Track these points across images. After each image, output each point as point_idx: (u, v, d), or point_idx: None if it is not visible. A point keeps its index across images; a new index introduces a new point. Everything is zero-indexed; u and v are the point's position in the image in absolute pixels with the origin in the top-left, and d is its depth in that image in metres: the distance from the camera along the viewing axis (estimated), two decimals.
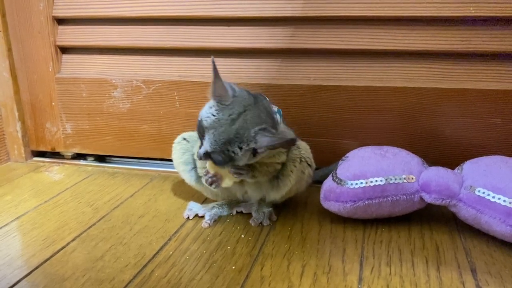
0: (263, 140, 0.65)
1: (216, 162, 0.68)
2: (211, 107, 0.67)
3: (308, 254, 0.66)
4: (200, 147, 0.68)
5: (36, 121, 1.10)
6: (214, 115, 0.66)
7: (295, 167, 0.74)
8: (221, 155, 0.66)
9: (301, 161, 0.75)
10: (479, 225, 0.69)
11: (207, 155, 0.67)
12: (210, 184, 0.72)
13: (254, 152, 0.66)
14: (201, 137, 0.68)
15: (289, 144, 0.68)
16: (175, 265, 0.64)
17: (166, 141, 1.02)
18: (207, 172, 0.72)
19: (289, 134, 0.72)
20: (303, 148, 0.76)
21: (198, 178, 0.79)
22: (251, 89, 0.88)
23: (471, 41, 0.84)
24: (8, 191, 0.92)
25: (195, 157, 0.77)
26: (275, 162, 0.72)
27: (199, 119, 0.68)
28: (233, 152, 0.65)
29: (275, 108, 0.75)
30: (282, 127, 0.72)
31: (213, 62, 0.66)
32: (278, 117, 0.74)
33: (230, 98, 0.67)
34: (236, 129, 0.65)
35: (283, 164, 0.74)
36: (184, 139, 0.82)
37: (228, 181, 0.72)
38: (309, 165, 0.76)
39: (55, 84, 1.05)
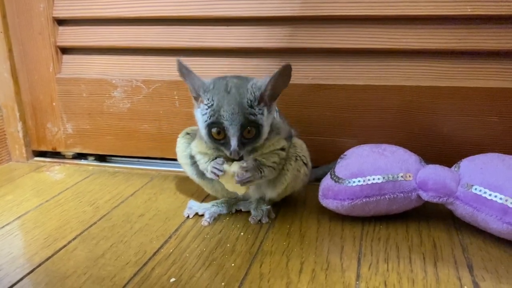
0: (262, 82, 0.68)
1: (244, 139, 0.67)
2: (203, 108, 0.68)
3: (307, 251, 0.67)
4: (225, 145, 0.68)
5: (37, 121, 1.10)
6: (212, 104, 0.67)
7: (290, 165, 0.75)
8: (244, 121, 0.66)
9: (296, 159, 0.75)
10: (476, 223, 0.69)
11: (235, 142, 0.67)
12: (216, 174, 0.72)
13: (264, 101, 0.68)
14: (221, 133, 0.68)
15: (287, 71, 0.68)
16: (175, 263, 0.65)
17: (166, 140, 1.02)
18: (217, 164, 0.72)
19: (285, 127, 0.74)
20: (299, 146, 0.77)
21: (199, 172, 0.79)
22: None
23: (468, 40, 0.84)
24: (9, 190, 0.93)
25: (193, 153, 0.77)
26: (277, 149, 0.72)
27: (209, 122, 0.68)
28: (250, 111, 0.67)
29: None
30: (279, 120, 0.74)
31: (179, 62, 0.69)
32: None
33: (207, 83, 0.69)
34: (235, 93, 0.67)
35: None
36: (188, 133, 0.83)
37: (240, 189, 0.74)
38: (304, 163, 0.76)
39: (55, 84, 1.06)
